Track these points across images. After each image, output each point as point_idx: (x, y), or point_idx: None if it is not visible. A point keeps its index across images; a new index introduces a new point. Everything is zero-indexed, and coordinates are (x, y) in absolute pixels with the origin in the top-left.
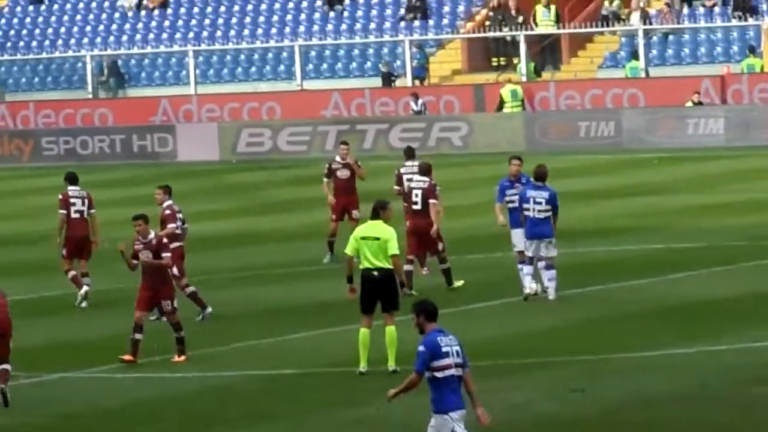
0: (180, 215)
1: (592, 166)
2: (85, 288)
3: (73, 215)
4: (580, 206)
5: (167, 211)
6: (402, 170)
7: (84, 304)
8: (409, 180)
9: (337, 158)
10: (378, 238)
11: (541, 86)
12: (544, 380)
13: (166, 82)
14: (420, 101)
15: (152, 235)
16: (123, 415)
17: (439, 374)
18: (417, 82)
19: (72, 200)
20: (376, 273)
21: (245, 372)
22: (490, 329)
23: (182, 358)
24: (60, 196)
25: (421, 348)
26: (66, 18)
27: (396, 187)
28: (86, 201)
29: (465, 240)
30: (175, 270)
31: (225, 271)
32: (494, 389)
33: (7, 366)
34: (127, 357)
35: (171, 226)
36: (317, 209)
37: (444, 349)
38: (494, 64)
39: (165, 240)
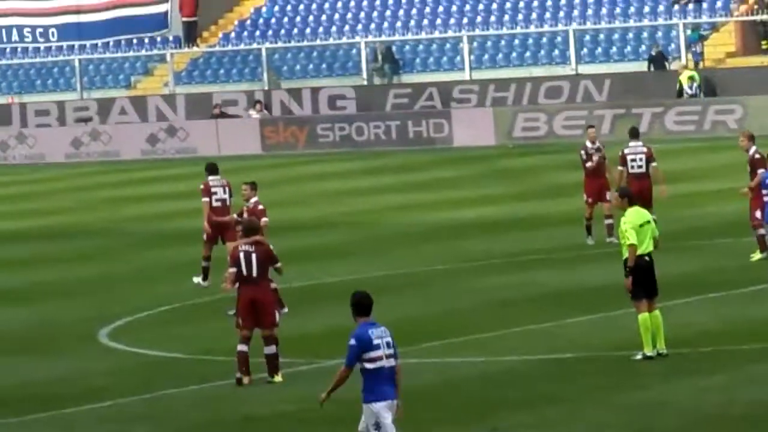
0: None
1: None
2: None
3: (215, 203)
4: None
5: (260, 206)
6: (626, 150)
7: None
8: (633, 160)
9: (588, 143)
10: (650, 222)
11: None
12: None
13: (441, 67)
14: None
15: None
16: (405, 401)
17: (369, 365)
18: (691, 66)
19: (213, 189)
20: (647, 258)
21: (525, 356)
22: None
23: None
24: (201, 186)
25: (351, 342)
26: (340, 5)
27: (619, 168)
28: (226, 189)
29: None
30: None
31: (502, 256)
32: None
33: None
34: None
35: (264, 220)
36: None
37: (375, 342)
38: (764, 47)
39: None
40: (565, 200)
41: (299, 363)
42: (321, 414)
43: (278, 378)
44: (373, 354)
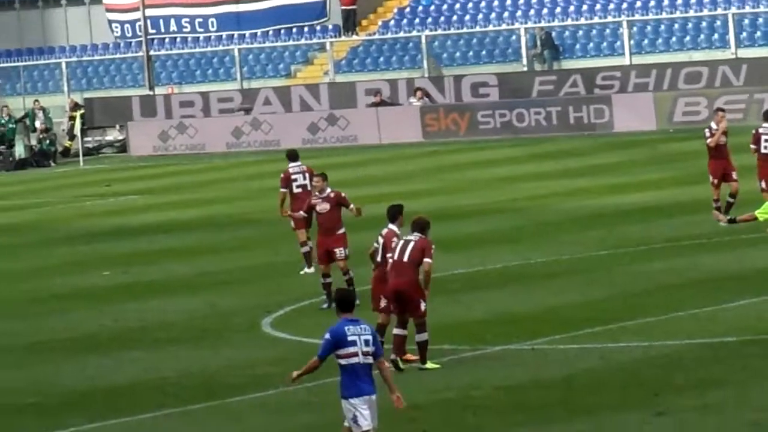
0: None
1: None
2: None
3: (296, 190)
4: None
5: (343, 194)
6: (760, 130)
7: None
8: (766, 140)
9: (713, 124)
10: None
11: None
12: None
13: (601, 53)
14: None
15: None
16: (567, 386)
17: (343, 361)
18: None
19: (293, 176)
20: None
21: (688, 341)
22: None
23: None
24: (282, 175)
25: (326, 336)
26: None
27: (751, 146)
28: (306, 175)
29: None
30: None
31: (663, 240)
32: None
33: (424, 336)
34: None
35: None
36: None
37: (350, 338)
38: None
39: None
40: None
41: (463, 350)
42: (486, 400)
43: (430, 365)
44: (345, 351)
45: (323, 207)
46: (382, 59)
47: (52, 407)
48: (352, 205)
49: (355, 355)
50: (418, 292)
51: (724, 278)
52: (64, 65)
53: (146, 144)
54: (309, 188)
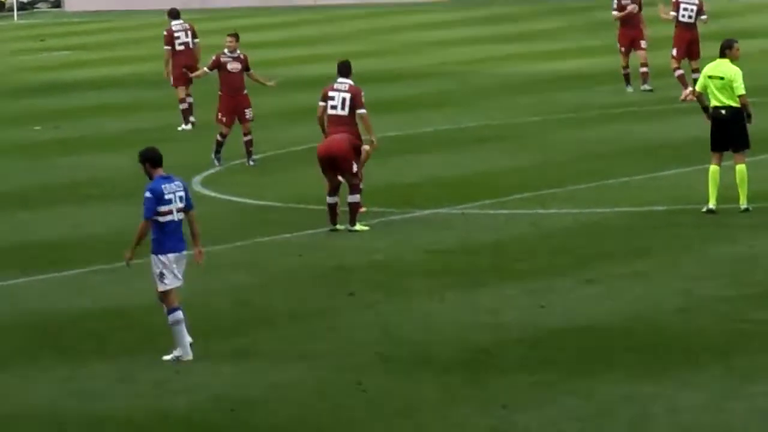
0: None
1: None
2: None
3: (178, 47)
4: None
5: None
6: None
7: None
8: (684, 9)
9: None
10: (722, 78)
11: None
12: None
13: None
14: None
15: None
16: (496, 251)
17: (160, 218)
18: None
19: (176, 34)
20: (723, 111)
21: (618, 208)
22: None
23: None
24: (164, 33)
25: (147, 194)
26: None
27: (672, 12)
28: (189, 33)
29: None
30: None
31: (597, 108)
32: None
33: (355, 198)
34: None
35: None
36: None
37: (167, 196)
38: None
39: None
40: (660, 53)
41: (392, 212)
42: (414, 264)
43: (359, 227)
44: (164, 208)
45: (234, 66)
46: None
47: None
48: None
49: (170, 212)
50: (350, 152)
51: (656, 147)
52: None
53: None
54: (191, 45)
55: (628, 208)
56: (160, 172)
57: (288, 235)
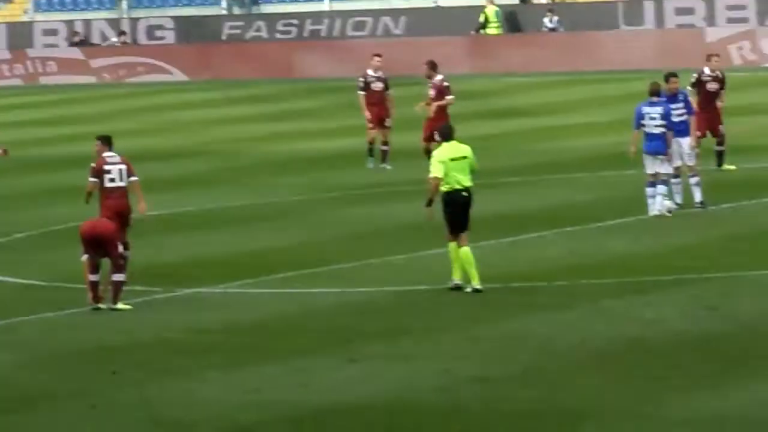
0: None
1: None
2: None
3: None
4: None
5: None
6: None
7: None
8: None
9: (369, 71)
10: (465, 157)
11: None
12: (677, 298)
13: None
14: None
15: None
16: (259, 330)
17: None
18: None
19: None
20: (465, 194)
21: (381, 288)
22: (623, 246)
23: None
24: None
25: None
26: None
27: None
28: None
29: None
30: None
31: (359, 187)
32: (626, 306)
33: (120, 276)
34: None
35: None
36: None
37: None
38: None
39: None
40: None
41: (155, 291)
42: (177, 343)
43: (122, 306)
44: None
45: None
46: None
47: None
48: None
49: None
50: (115, 233)
51: (417, 227)
52: None
53: None
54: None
55: (391, 288)
56: None
57: (51, 314)
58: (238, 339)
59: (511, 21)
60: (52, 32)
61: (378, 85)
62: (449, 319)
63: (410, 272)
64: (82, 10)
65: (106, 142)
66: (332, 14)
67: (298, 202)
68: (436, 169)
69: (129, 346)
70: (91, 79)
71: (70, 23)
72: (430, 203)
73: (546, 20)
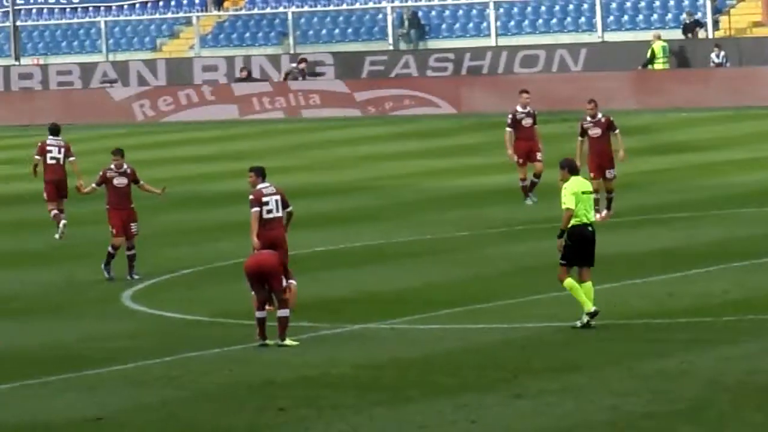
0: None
1: None
2: (63, 221)
3: (49, 161)
4: None
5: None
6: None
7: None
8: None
9: (518, 107)
10: (591, 192)
11: None
12: None
13: (467, 33)
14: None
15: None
16: (425, 366)
17: None
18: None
19: (48, 148)
20: (590, 228)
21: (548, 323)
22: None
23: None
24: (39, 144)
25: None
26: None
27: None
28: (62, 150)
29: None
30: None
31: (525, 223)
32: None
33: (285, 312)
34: None
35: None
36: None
37: None
38: None
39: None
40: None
41: (322, 327)
42: (344, 378)
43: (289, 342)
44: None
45: (121, 181)
46: (248, 34)
47: None
48: (143, 182)
49: None
50: (279, 267)
51: None
52: None
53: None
54: (61, 162)
55: (557, 323)
56: None
57: (217, 350)
58: (406, 375)
59: (679, 56)
60: (212, 68)
61: (528, 121)
62: (616, 354)
63: (576, 308)
64: (248, 45)
65: (260, 173)
66: (499, 49)
67: (463, 237)
68: (569, 201)
69: (296, 381)
70: (356, 113)
71: (230, 59)
72: (562, 234)
73: (713, 55)
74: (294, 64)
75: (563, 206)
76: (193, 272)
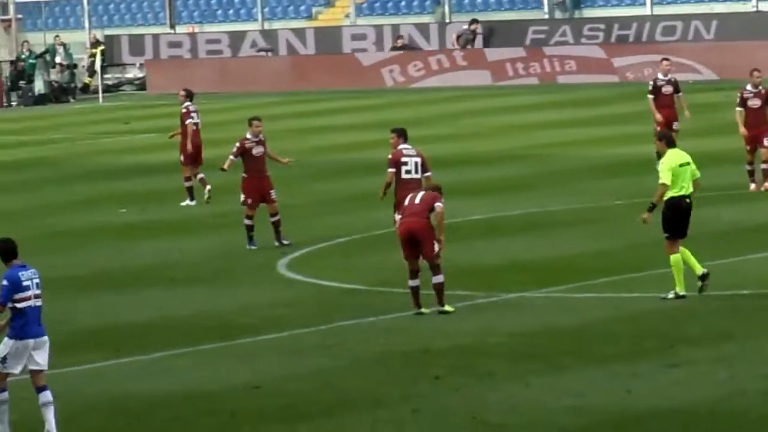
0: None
1: None
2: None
3: (191, 128)
4: None
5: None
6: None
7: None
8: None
9: (660, 75)
10: (689, 164)
11: None
12: None
13: (621, 2)
14: None
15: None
16: (580, 335)
17: (19, 305)
18: None
19: (192, 113)
20: (688, 200)
21: (705, 292)
22: None
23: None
24: (182, 110)
25: (4, 282)
26: None
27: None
28: (200, 115)
29: None
30: None
31: None
32: None
33: (439, 278)
34: None
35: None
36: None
37: (25, 283)
38: None
39: None
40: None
41: (478, 296)
42: (499, 347)
43: (447, 308)
44: (21, 295)
45: (259, 150)
46: (403, 3)
47: (66, 343)
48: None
49: (29, 298)
50: (430, 232)
51: (745, 230)
52: (85, 1)
53: (164, 82)
54: (199, 126)
55: (713, 292)
56: (16, 262)
57: (373, 318)
58: (561, 344)
59: None
60: (361, 37)
61: (668, 89)
62: None
63: (734, 276)
64: (404, 14)
65: (402, 134)
66: (651, 18)
67: (620, 206)
68: (665, 176)
69: (451, 350)
70: (614, 78)
71: (378, 28)
72: (653, 208)
73: None
74: (466, 26)
75: (660, 181)
76: (349, 240)
